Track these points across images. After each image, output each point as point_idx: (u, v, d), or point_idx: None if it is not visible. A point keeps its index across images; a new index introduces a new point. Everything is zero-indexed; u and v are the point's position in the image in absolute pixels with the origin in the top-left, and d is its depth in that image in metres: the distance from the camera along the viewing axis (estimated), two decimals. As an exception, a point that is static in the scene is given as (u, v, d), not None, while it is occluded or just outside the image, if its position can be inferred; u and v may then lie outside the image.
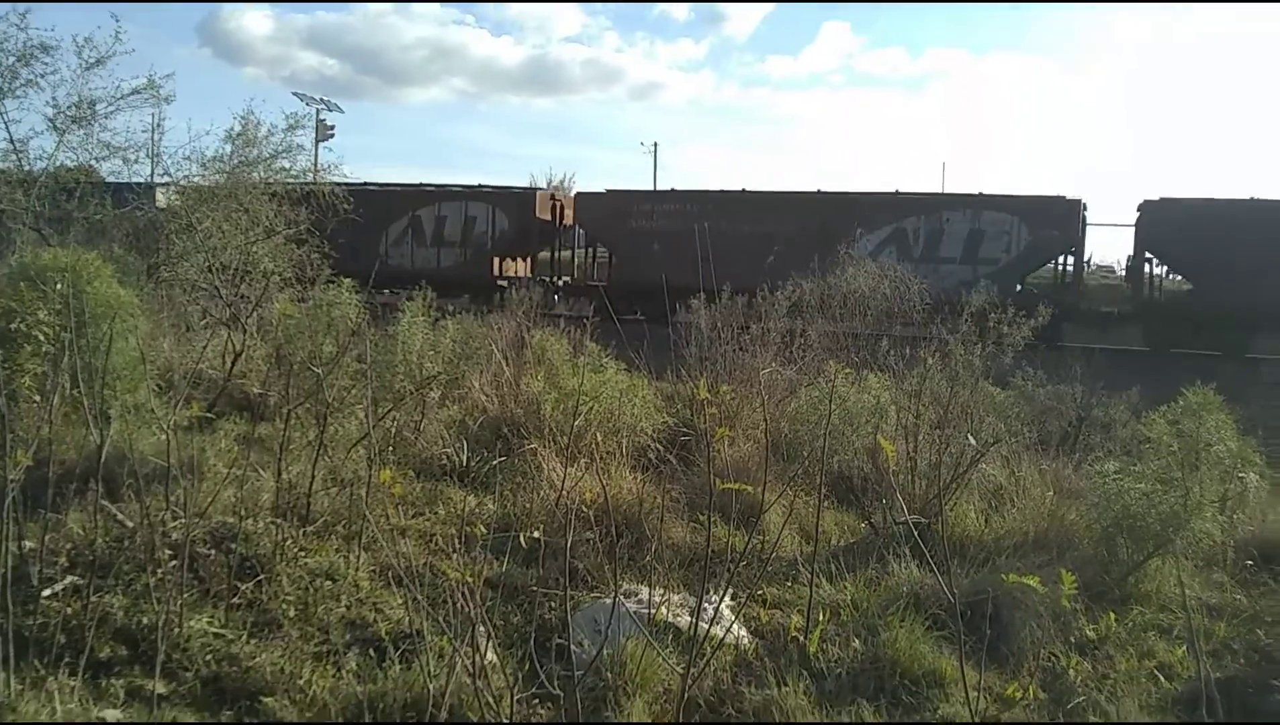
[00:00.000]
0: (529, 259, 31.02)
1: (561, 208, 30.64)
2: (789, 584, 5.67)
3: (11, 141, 12.93)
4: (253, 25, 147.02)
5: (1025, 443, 8.31)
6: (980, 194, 25.84)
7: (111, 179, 13.88)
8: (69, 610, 3.96)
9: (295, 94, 46.71)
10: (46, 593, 4.02)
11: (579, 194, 31.63)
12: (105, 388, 5.82)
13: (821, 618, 4.95)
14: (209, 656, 3.95)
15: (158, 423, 5.55)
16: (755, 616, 5.09)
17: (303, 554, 4.81)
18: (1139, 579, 6.04)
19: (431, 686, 3.61)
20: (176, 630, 3.95)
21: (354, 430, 6.51)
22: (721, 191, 29.22)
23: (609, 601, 4.50)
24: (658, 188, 43.14)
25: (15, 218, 12.25)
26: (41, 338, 6.60)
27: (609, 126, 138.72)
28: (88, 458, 5.22)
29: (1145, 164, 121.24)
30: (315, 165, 15.80)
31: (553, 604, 4.89)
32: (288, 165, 13.24)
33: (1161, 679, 4.85)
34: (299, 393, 6.11)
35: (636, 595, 4.90)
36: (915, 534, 5.48)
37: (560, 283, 30.55)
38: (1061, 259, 26.46)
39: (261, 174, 12.71)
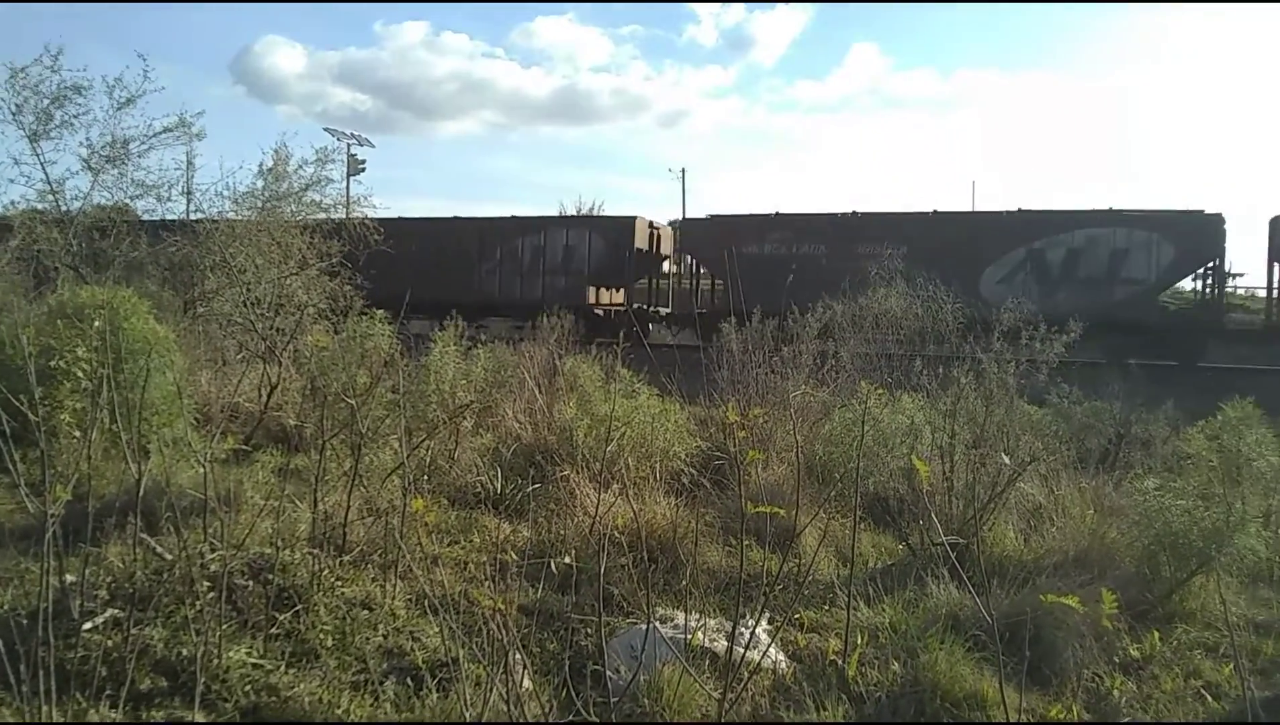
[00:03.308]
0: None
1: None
2: (826, 607, 5.62)
3: (48, 182, 13.18)
4: (285, 63, 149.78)
5: (1064, 461, 8.21)
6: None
7: (146, 217, 14.09)
8: (109, 643, 3.98)
9: (326, 129, 47.12)
10: (87, 626, 4.05)
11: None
12: (143, 422, 5.90)
13: (860, 640, 4.91)
14: (248, 687, 3.96)
15: (195, 456, 5.59)
16: (792, 640, 5.04)
17: (339, 584, 4.82)
18: (1183, 596, 5.95)
19: (468, 714, 3.60)
20: (215, 661, 3.97)
21: (389, 460, 6.55)
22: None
23: (644, 627, 4.48)
24: (686, 215, 42.92)
25: (53, 257, 12.46)
26: (80, 374, 6.70)
27: (638, 154, 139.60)
28: (126, 491, 5.28)
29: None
30: (347, 199, 15.96)
31: (588, 630, 4.87)
32: (318, 198, 13.40)
33: (1209, 698, 4.77)
34: (334, 424, 6.15)
35: (672, 620, 4.88)
36: (953, 555, 5.42)
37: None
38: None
39: (293, 208, 12.86)
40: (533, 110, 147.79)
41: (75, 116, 13.03)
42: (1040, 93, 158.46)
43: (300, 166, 13.34)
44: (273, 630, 4.35)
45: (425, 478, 6.72)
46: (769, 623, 4.95)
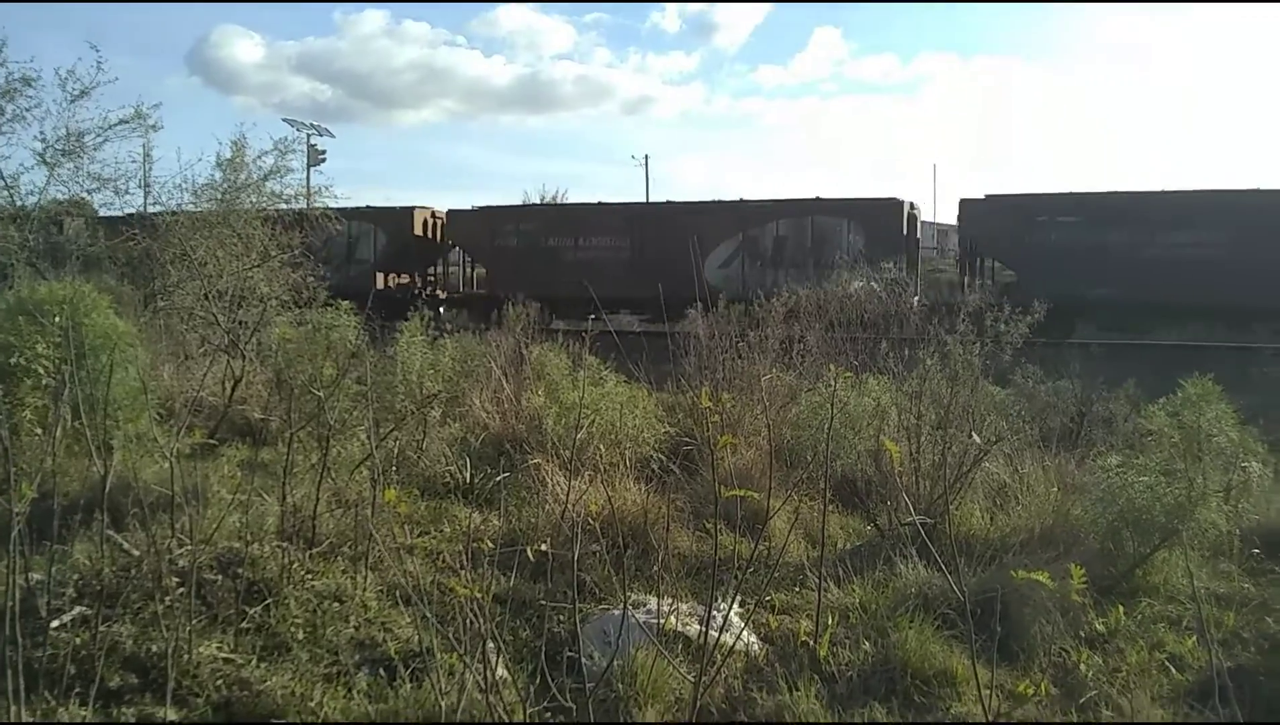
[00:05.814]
0: None
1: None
2: (797, 589, 5.66)
3: (2, 177, 12.96)
4: (242, 53, 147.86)
5: (1027, 440, 8.30)
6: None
7: (104, 211, 13.90)
8: (78, 640, 3.94)
9: (285, 120, 46.79)
10: (55, 624, 4.00)
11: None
12: (107, 418, 5.82)
13: (831, 621, 4.95)
14: (219, 681, 3.93)
15: (160, 451, 5.54)
16: (764, 623, 5.08)
17: (309, 576, 4.80)
18: (1146, 571, 6.04)
19: (443, 704, 3.61)
20: (186, 657, 3.94)
21: (357, 452, 6.51)
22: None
23: (618, 613, 4.50)
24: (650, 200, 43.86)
25: (9, 253, 12.27)
26: (41, 371, 6.61)
27: (601, 141, 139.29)
28: (92, 488, 5.23)
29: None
30: (308, 189, 15.82)
31: (561, 617, 4.87)
32: (278, 189, 13.27)
33: (1173, 670, 4.85)
34: (300, 416, 6.11)
35: (645, 606, 4.89)
36: (921, 534, 5.47)
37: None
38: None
39: (253, 199, 12.73)
40: (494, 98, 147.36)
41: (27, 110, 12.85)
42: (1000, 78, 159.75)
43: (259, 157, 13.22)
44: (243, 624, 4.33)
45: (394, 469, 6.68)
46: (740, 606, 4.98)
